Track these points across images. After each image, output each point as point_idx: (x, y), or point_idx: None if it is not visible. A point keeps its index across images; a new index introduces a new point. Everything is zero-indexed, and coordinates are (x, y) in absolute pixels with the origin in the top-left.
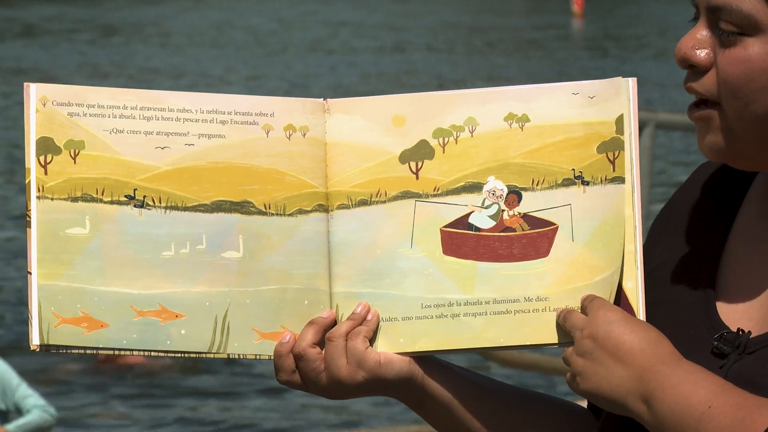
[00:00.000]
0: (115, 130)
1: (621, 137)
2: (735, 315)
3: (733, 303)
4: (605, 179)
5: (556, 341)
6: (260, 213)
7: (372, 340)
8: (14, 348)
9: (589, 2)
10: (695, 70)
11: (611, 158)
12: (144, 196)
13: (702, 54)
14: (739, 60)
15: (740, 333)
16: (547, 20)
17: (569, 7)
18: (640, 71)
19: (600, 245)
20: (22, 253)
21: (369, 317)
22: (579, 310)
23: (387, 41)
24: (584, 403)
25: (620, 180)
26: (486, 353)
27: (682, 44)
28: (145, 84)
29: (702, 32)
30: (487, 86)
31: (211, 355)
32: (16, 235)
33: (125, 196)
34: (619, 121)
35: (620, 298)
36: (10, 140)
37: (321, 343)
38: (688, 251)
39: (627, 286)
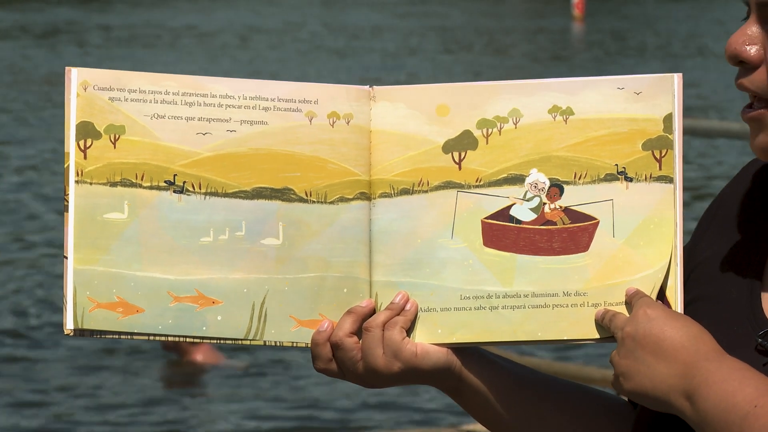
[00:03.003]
0: (156, 116)
1: (669, 136)
2: None
3: None
4: (650, 177)
5: (593, 337)
6: (301, 200)
7: (410, 330)
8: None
9: (590, 6)
10: (746, 66)
11: (658, 156)
12: (184, 182)
13: (752, 50)
14: None
15: None
16: (548, 24)
17: (570, 11)
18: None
19: (642, 242)
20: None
21: (408, 307)
22: (619, 305)
23: (386, 44)
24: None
25: (668, 179)
26: (490, 349)
27: (733, 41)
28: None
29: (752, 29)
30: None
31: (248, 342)
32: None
33: (165, 182)
34: (668, 120)
35: (663, 297)
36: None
37: (359, 332)
38: (735, 247)
39: (667, 284)
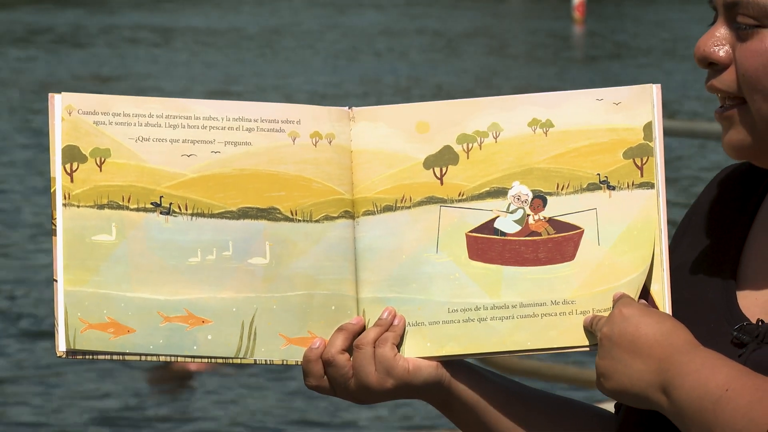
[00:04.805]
0: (140, 138)
1: (650, 144)
2: (755, 307)
3: (753, 296)
4: (633, 184)
5: (583, 344)
6: (287, 219)
7: (399, 345)
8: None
9: (590, 9)
10: (715, 67)
11: (639, 164)
12: (170, 203)
13: (721, 51)
14: (757, 52)
15: (760, 323)
16: (548, 26)
17: (570, 14)
18: (642, 78)
19: (627, 248)
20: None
21: (395, 322)
22: (607, 311)
23: (386, 47)
24: (611, 408)
25: (649, 185)
26: (485, 360)
27: (701, 43)
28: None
29: (720, 30)
30: (489, 93)
31: (238, 361)
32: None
33: (151, 203)
34: (648, 128)
35: (647, 301)
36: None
37: (350, 349)
38: (711, 248)
39: (654, 289)
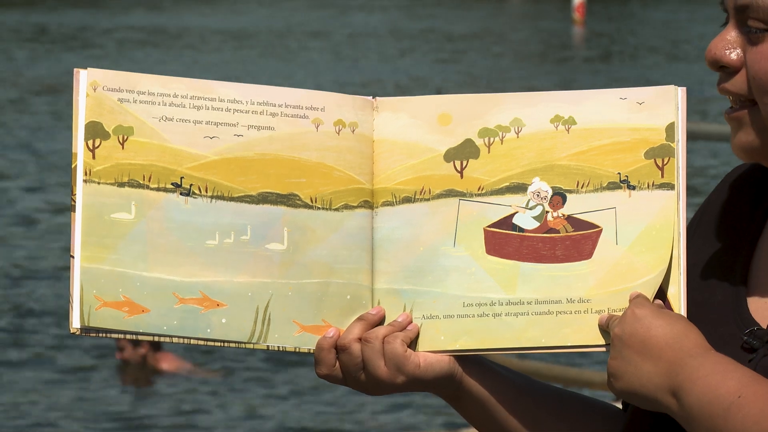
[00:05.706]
0: (164, 118)
1: (672, 144)
2: (765, 312)
3: (763, 300)
4: (653, 185)
5: (597, 343)
6: (306, 206)
7: (413, 339)
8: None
9: (591, 10)
10: (726, 70)
11: (660, 164)
12: (190, 185)
13: (732, 54)
14: (767, 55)
15: None
16: (548, 27)
17: (570, 15)
18: (642, 79)
19: (645, 249)
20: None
21: (409, 327)
22: (623, 311)
23: (388, 48)
24: (619, 404)
25: (669, 186)
26: (491, 358)
27: (713, 46)
28: None
29: (731, 33)
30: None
31: (251, 346)
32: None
33: (172, 184)
34: (670, 129)
35: (664, 303)
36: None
37: None
38: (721, 251)
39: (670, 292)
